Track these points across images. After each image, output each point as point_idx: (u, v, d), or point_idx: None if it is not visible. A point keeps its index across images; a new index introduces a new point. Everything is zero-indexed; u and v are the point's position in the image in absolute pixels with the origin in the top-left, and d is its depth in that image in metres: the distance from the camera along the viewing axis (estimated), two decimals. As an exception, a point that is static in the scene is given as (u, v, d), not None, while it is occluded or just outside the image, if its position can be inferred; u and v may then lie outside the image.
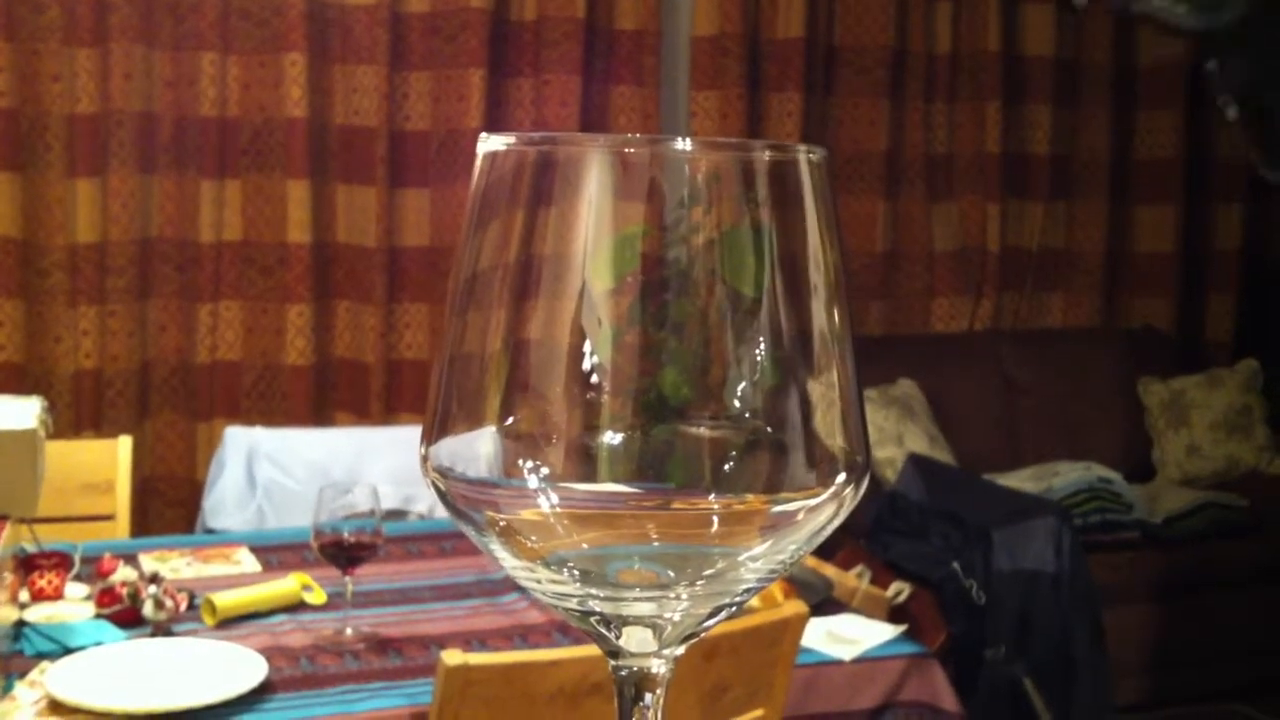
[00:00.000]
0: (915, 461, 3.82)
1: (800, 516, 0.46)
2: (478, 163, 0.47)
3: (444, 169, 3.98)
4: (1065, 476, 4.00)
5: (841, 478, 0.47)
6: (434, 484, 0.47)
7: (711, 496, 0.46)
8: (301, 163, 3.81)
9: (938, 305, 4.71)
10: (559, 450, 0.45)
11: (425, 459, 0.47)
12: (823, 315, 0.47)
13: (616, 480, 0.45)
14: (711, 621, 0.47)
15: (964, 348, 4.63)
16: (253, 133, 3.82)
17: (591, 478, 0.45)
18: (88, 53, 3.63)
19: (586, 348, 0.45)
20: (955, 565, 3.34)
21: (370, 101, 3.89)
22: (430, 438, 0.47)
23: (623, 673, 0.48)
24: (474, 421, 0.46)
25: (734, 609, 0.48)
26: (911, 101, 4.60)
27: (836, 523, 0.48)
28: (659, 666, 0.48)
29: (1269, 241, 5.09)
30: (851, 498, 0.48)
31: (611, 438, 0.45)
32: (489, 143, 0.47)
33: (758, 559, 0.46)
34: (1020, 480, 4.08)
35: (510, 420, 0.46)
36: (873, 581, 2.83)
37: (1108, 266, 4.90)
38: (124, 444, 2.91)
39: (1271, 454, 4.56)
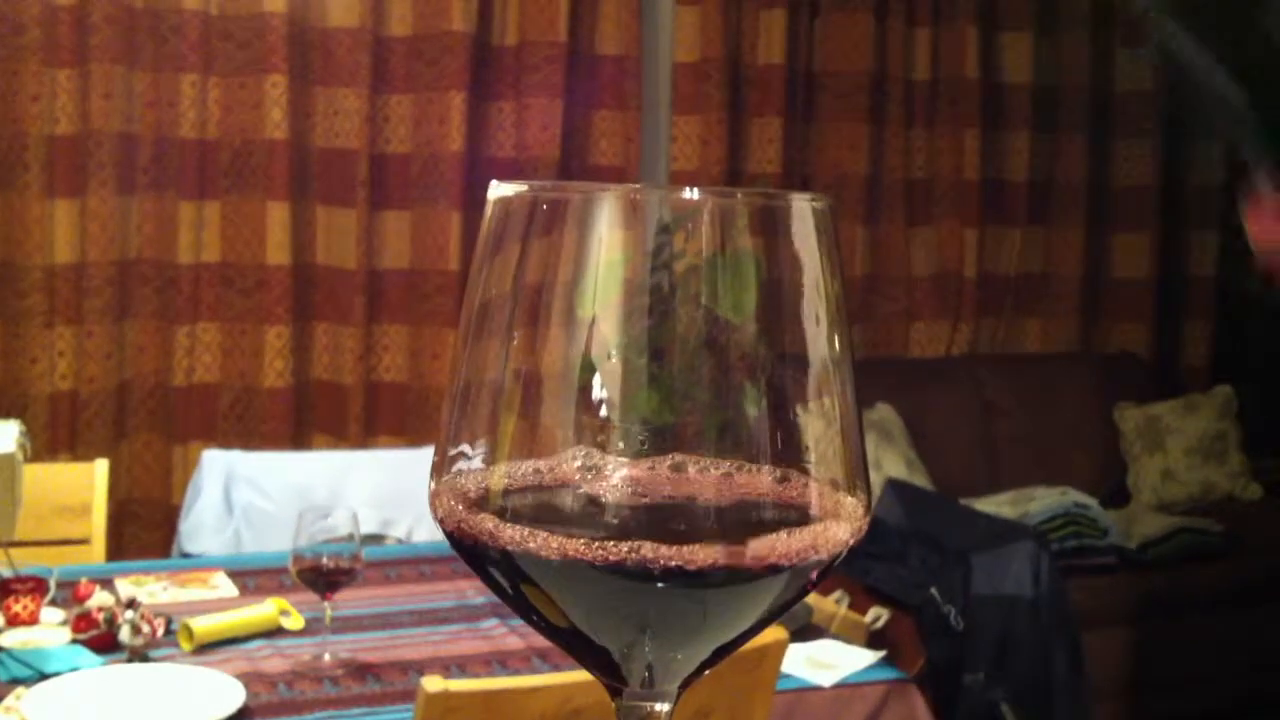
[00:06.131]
0: (893, 486, 3.83)
1: (801, 552, 0.46)
2: (488, 209, 0.47)
3: (425, 192, 3.98)
4: (1042, 502, 4.01)
5: (844, 509, 0.47)
6: (442, 520, 0.47)
7: (710, 530, 0.45)
8: (282, 184, 3.80)
9: (916, 330, 4.73)
10: (566, 492, 0.45)
11: (435, 495, 0.47)
12: (823, 343, 0.47)
13: (620, 513, 0.45)
14: (714, 661, 0.47)
15: (942, 372, 4.65)
16: (233, 154, 3.81)
17: (597, 514, 0.45)
18: (68, 73, 3.61)
19: (595, 380, 0.45)
20: (933, 590, 3.34)
21: (351, 124, 3.89)
22: (440, 473, 0.47)
23: (627, 711, 0.48)
24: (481, 457, 0.46)
25: (736, 648, 0.47)
26: (891, 127, 4.62)
27: (841, 555, 0.47)
28: (662, 705, 0.48)
29: (1244, 268, 5.13)
30: (854, 531, 0.47)
31: (613, 472, 0.45)
32: (499, 189, 0.47)
33: (760, 598, 0.46)
34: (998, 505, 4.08)
35: (518, 455, 0.46)
36: (851, 606, 2.83)
37: (1085, 292, 4.93)
38: (100, 467, 2.89)
39: (1246, 479, 4.59)
